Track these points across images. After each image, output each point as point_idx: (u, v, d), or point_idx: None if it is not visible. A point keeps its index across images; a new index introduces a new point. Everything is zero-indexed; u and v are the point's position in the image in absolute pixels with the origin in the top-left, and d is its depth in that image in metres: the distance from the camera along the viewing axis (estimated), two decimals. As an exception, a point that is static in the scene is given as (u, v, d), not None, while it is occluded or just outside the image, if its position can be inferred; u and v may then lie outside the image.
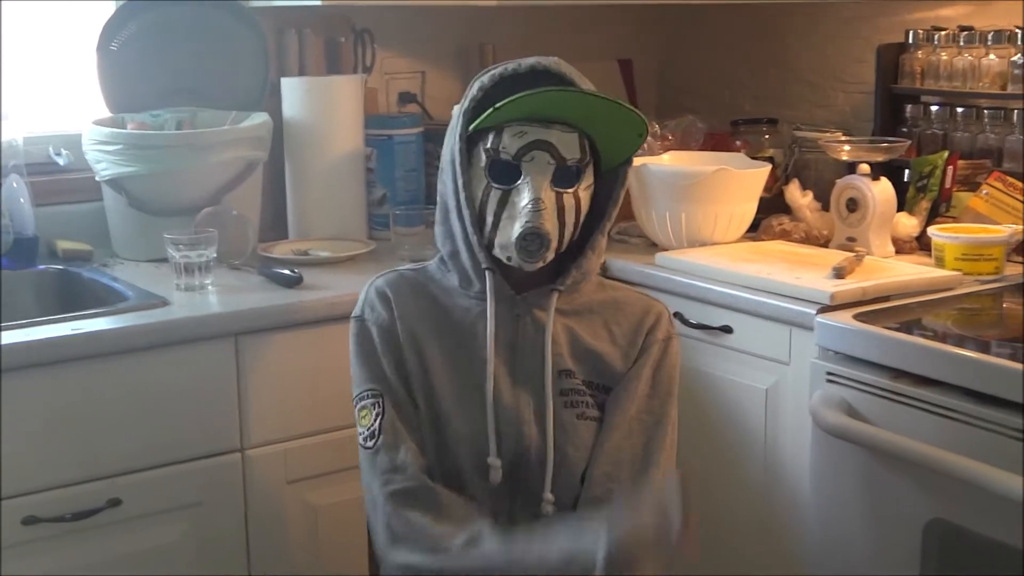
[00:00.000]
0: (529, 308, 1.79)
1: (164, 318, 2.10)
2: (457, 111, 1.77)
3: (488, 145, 1.73)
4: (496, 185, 1.73)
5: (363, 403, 1.78)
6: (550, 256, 1.73)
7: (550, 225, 1.71)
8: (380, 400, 1.76)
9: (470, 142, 1.75)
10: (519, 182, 1.72)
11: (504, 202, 1.73)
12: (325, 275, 2.39)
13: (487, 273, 1.76)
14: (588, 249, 1.80)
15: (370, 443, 1.75)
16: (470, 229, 1.74)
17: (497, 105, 1.68)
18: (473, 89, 1.76)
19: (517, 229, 1.70)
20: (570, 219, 1.74)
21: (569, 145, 1.72)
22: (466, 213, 1.74)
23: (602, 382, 1.80)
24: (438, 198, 1.82)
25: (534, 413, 1.75)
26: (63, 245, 2.54)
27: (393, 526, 1.70)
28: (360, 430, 1.77)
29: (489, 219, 1.74)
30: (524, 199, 1.71)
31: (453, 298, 1.81)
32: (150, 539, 2.10)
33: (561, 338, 1.79)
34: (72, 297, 2.38)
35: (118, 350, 2.05)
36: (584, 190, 1.75)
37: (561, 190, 1.72)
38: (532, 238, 1.70)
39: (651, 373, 1.80)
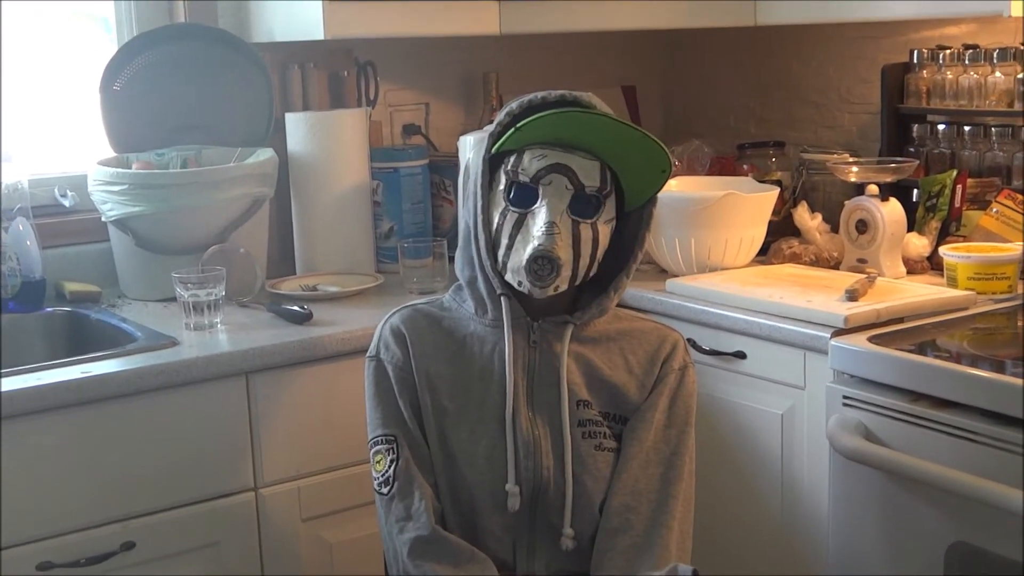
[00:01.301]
0: (544, 336, 1.78)
1: (174, 358, 2.09)
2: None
3: (508, 167, 1.72)
4: (513, 208, 1.72)
5: (377, 448, 1.77)
6: (562, 285, 1.71)
7: (563, 251, 1.69)
8: (394, 446, 1.75)
9: (493, 166, 1.74)
10: (535, 205, 1.71)
11: (520, 225, 1.72)
12: (334, 310, 2.38)
13: (503, 299, 1.74)
14: (611, 289, 1.79)
15: (384, 489, 1.75)
16: (484, 253, 1.73)
17: (519, 124, 1.67)
18: (502, 114, 1.75)
19: (528, 252, 1.69)
20: (586, 250, 1.72)
21: (589, 172, 1.71)
22: (482, 237, 1.73)
23: (619, 412, 1.79)
24: (461, 224, 1.81)
25: (552, 444, 1.74)
26: (71, 287, 2.53)
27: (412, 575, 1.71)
28: (375, 475, 1.77)
29: (504, 242, 1.73)
30: (539, 222, 1.70)
31: (469, 328, 1.80)
32: (165, 582, 2.09)
33: (577, 369, 1.78)
34: (81, 339, 2.37)
35: (129, 392, 2.04)
36: (604, 223, 1.74)
37: (579, 219, 1.71)
38: (542, 262, 1.68)
39: (667, 403, 1.79)
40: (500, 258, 1.73)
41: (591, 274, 1.76)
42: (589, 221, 1.72)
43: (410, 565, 1.70)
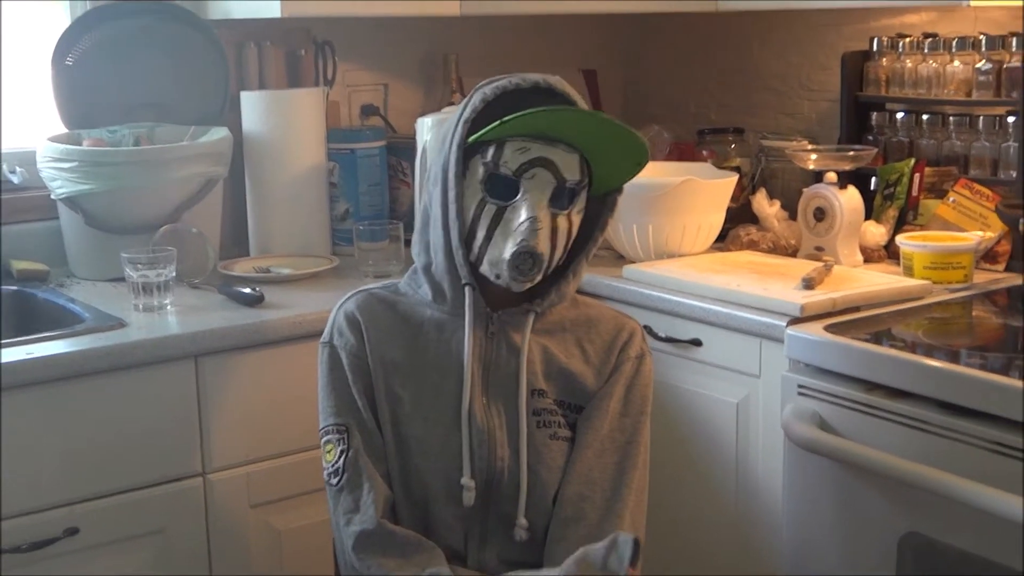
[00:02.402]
0: (503, 327, 1.76)
1: (121, 340, 2.06)
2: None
3: (488, 159, 1.68)
4: (492, 200, 1.69)
5: (328, 437, 1.75)
6: (539, 277, 1.70)
7: (544, 246, 1.67)
8: (345, 436, 1.73)
9: (465, 154, 1.70)
10: (516, 199, 1.68)
11: (499, 218, 1.69)
12: (288, 293, 2.35)
13: (466, 289, 1.72)
14: (570, 273, 1.77)
15: (334, 480, 1.73)
16: (455, 242, 1.70)
17: (505, 119, 1.64)
18: (474, 100, 1.71)
19: (511, 247, 1.67)
20: (561, 241, 1.71)
21: (570, 166, 1.68)
22: (454, 226, 1.69)
23: (574, 401, 1.77)
24: (420, 207, 1.78)
25: (507, 434, 1.72)
26: (18, 265, 2.48)
27: (357, 568, 1.69)
28: (325, 465, 1.75)
29: (480, 234, 1.70)
30: (521, 217, 1.67)
31: (425, 314, 1.78)
32: (110, 568, 2.05)
33: (534, 357, 1.76)
34: (27, 319, 2.33)
35: (74, 374, 2.00)
36: (577, 213, 1.72)
37: (556, 211, 1.69)
38: (526, 257, 1.66)
39: (623, 391, 1.78)
40: (476, 249, 1.70)
41: (560, 262, 1.74)
42: (565, 212, 1.70)
43: (355, 559, 1.69)
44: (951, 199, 2.47)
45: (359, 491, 1.70)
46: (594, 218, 1.77)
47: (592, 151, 1.70)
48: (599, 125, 1.66)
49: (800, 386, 2.00)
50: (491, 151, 1.69)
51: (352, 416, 1.74)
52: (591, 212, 1.76)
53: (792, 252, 2.57)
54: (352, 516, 1.70)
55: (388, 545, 1.68)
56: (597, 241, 1.78)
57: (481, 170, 1.69)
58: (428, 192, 1.75)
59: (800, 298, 2.11)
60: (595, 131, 1.67)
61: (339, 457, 1.72)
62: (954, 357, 1.93)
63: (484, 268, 1.71)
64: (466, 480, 1.69)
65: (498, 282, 1.70)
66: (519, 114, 1.64)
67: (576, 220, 1.72)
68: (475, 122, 1.70)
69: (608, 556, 1.61)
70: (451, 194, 1.69)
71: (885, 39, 2.69)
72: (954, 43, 2.55)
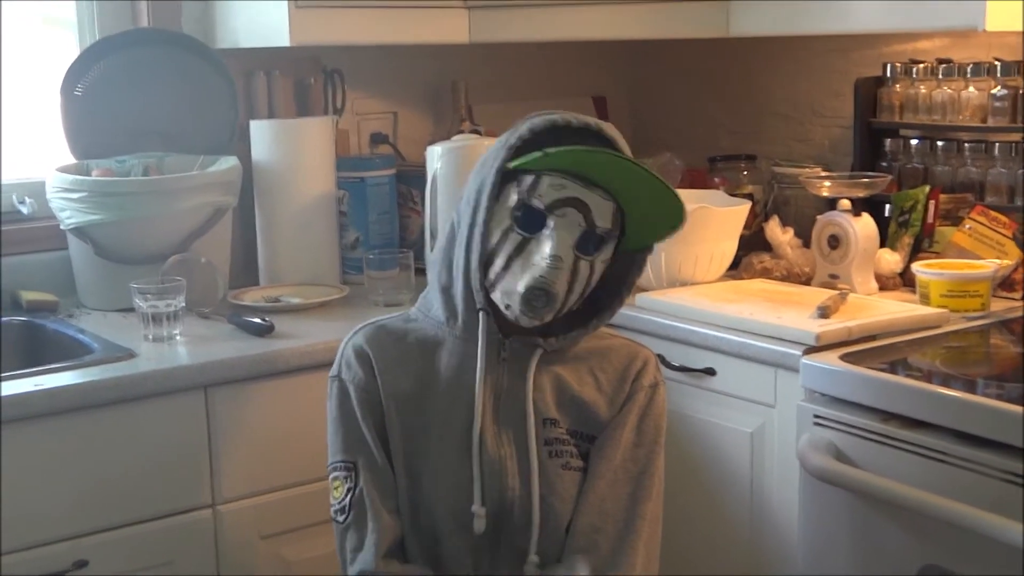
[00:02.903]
0: (514, 354, 1.74)
1: (131, 371, 2.05)
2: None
3: (523, 187, 1.66)
4: (518, 230, 1.67)
5: (336, 474, 1.73)
6: (549, 317, 1.68)
7: (561, 287, 1.65)
8: (352, 473, 1.71)
9: (502, 180, 1.68)
10: (543, 233, 1.66)
11: (521, 249, 1.66)
12: (297, 322, 2.34)
13: (481, 314, 1.70)
14: (590, 327, 1.75)
15: (340, 517, 1.72)
16: (474, 265, 1.68)
17: (548, 150, 1.62)
18: (522, 129, 1.68)
19: (526, 281, 1.64)
20: (579, 287, 1.68)
21: (603, 212, 1.66)
22: (476, 249, 1.67)
23: (586, 431, 1.75)
24: (447, 226, 1.75)
25: (518, 464, 1.70)
26: (27, 296, 2.47)
27: None
28: (332, 502, 1.74)
29: (499, 262, 1.67)
30: (544, 252, 1.64)
31: (437, 339, 1.76)
32: (119, 601, 2.04)
33: (546, 386, 1.74)
34: (37, 350, 2.32)
35: (83, 405, 1.99)
36: (600, 262, 1.70)
37: (580, 255, 1.67)
38: (540, 294, 1.64)
39: (637, 421, 1.76)
40: (492, 275, 1.68)
41: (574, 309, 1.72)
42: (589, 258, 1.68)
43: None
44: (967, 226, 2.45)
45: (364, 530, 1.69)
46: (621, 275, 1.75)
47: (629, 203, 1.68)
48: (640, 177, 1.63)
49: (816, 416, 1.98)
50: (528, 181, 1.66)
51: (360, 452, 1.72)
52: (619, 269, 1.74)
53: (806, 280, 2.55)
54: (356, 555, 1.69)
55: None
56: (623, 300, 1.76)
57: (514, 197, 1.67)
58: (458, 211, 1.73)
59: (815, 327, 2.09)
60: (635, 182, 1.64)
61: (346, 495, 1.71)
62: (972, 386, 1.91)
63: (496, 296, 1.69)
64: (476, 507, 1.68)
65: (507, 313, 1.68)
66: (563, 148, 1.62)
67: (598, 269, 1.70)
68: (519, 150, 1.67)
69: None
70: (480, 216, 1.67)
71: (899, 65, 2.67)
72: (969, 69, 2.53)
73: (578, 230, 1.65)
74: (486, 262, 1.69)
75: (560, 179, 1.65)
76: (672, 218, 1.68)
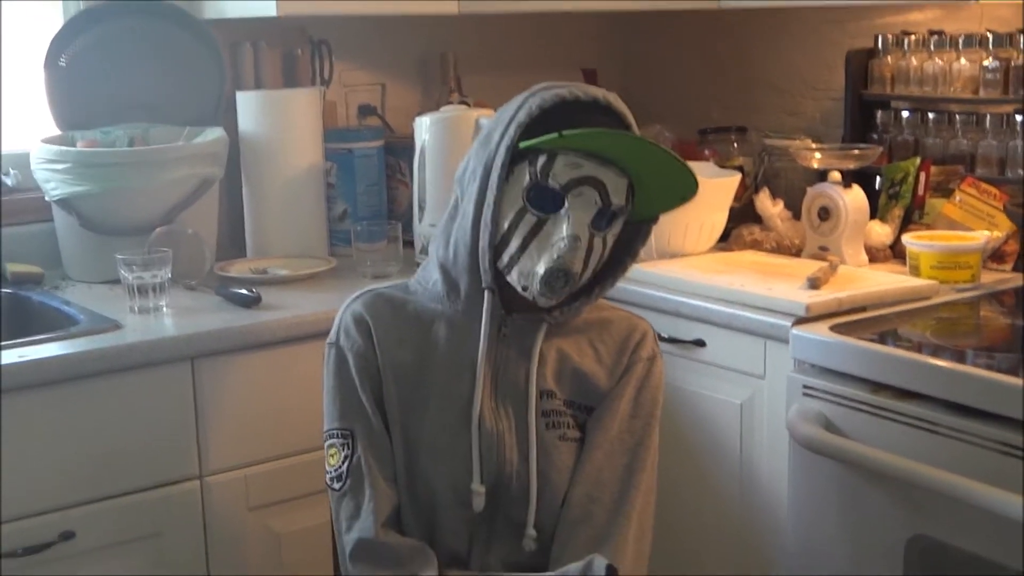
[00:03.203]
0: (516, 330, 1.72)
1: (117, 342, 2.03)
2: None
3: (536, 168, 1.63)
4: (533, 211, 1.64)
5: (332, 442, 1.71)
6: (565, 296, 1.66)
7: (579, 265, 1.63)
8: (350, 440, 1.70)
9: (512, 158, 1.64)
10: (559, 213, 1.63)
11: (537, 230, 1.64)
12: (285, 294, 2.33)
13: (486, 292, 1.68)
14: (593, 296, 1.73)
15: (336, 485, 1.70)
16: (484, 245, 1.65)
17: (565, 133, 1.59)
18: (531, 104, 1.64)
19: (546, 263, 1.62)
20: (593, 262, 1.66)
21: (619, 189, 1.64)
22: (486, 228, 1.64)
23: (584, 402, 1.74)
24: (452, 201, 1.73)
25: (516, 438, 1.69)
26: (12, 268, 2.45)
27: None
28: (328, 469, 1.72)
29: (514, 243, 1.64)
30: (562, 233, 1.62)
31: (436, 312, 1.74)
32: (106, 573, 2.03)
33: (548, 359, 1.73)
34: (22, 322, 2.30)
35: (69, 377, 1.97)
36: (612, 235, 1.68)
37: (595, 231, 1.65)
38: (560, 275, 1.62)
39: (635, 392, 1.75)
40: (506, 257, 1.66)
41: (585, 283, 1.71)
42: (602, 234, 1.66)
43: (351, 566, 1.67)
44: (957, 198, 2.45)
45: (361, 497, 1.68)
46: (625, 244, 1.73)
47: (641, 178, 1.67)
48: (658, 156, 1.62)
49: (805, 387, 1.98)
50: (541, 161, 1.63)
51: (357, 420, 1.70)
52: (623, 237, 1.73)
53: (796, 252, 2.54)
54: (353, 523, 1.67)
55: (382, 556, 1.65)
56: (627, 268, 1.74)
57: (527, 178, 1.64)
58: (462, 187, 1.70)
59: (805, 298, 2.09)
60: (648, 158, 1.63)
61: (343, 462, 1.69)
62: (962, 357, 1.90)
63: (512, 277, 1.66)
64: (476, 486, 1.66)
65: (524, 294, 1.66)
66: (580, 132, 1.59)
67: (610, 242, 1.68)
68: (527, 127, 1.64)
69: None
70: (490, 196, 1.64)
71: (891, 36, 2.66)
72: (961, 41, 2.52)
73: (594, 208, 1.63)
74: (499, 243, 1.66)
75: (575, 158, 1.62)
76: (684, 189, 1.67)
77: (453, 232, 1.70)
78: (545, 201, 1.64)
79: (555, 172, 1.62)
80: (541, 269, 1.62)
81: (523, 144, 1.63)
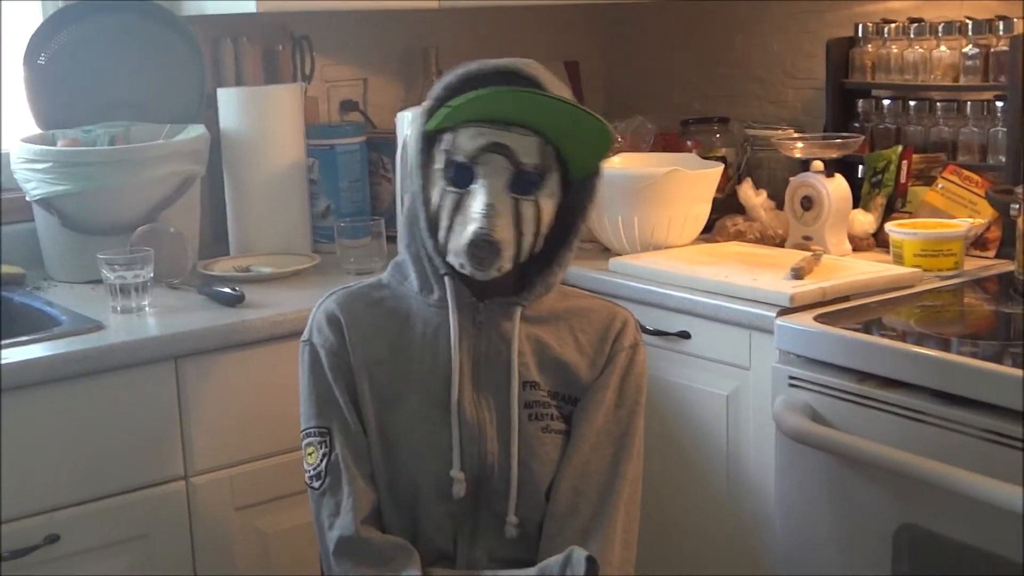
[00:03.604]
0: (492, 317, 1.72)
1: (100, 343, 2.02)
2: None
3: (445, 146, 1.66)
4: (451, 188, 1.66)
5: (309, 440, 1.72)
6: (506, 265, 1.66)
7: (503, 233, 1.63)
8: (327, 439, 1.70)
9: (430, 142, 1.68)
10: (473, 185, 1.65)
11: (458, 206, 1.66)
12: (269, 292, 2.32)
13: (446, 279, 1.69)
14: (555, 264, 1.73)
15: (316, 484, 1.70)
16: (424, 232, 1.68)
17: (451, 103, 1.61)
18: (438, 88, 1.68)
19: (468, 235, 1.63)
20: (529, 228, 1.67)
21: (527, 149, 1.65)
22: (421, 215, 1.67)
23: (569, 392, 1.74)
24: (407, 197, 1.75)
25: (497, 428, 1.69)
26: (-7, 269, 2.44)
27: (335, 573, 1.68)
28: (306, 468, 1.72)
29: (444, 223, 1.67)
30: (477, 204, 1.64)
31: (411, 307, 1.74)
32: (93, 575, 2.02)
33: (526, 348, 1.73)
34: (3, 323, 2.28)
35: (51, 378, 1.96)
36: (546, 198, 1.68)
37: (520, 196, 1.65)
38: (483, 245, 1.62)
39: (618, 382, 1.75)
40: (441, 239, 1.68)
41: (537, 250, 1.70)
42: (530, 198, 1.66)
43: (334, 563, 1.67)
44: (940, 186, 2.45)
45: (340, 495, 1.68)
46: (576, 206, 1.73)
47: (553, 133, 1.67)
48: (552, 107, 1.62)
49: (791, 377, 1.97)
50: (448, 138, 1.66)
51: (334, 418, 1.70)
52: (574, 201, 1.73)
53: (779, 242, 2.54)
54: (334, 520, 1.67)
55: (365, 553, 1.66)
56: (579, 229, 1.74)
57: (442, 158, 1.67)
58: (411, 183, 1.73)
59: (789, 288, 2.08)
60: (551, 114, 1.63)
61: (321, 460, 1.69)
62: (947, 345, 1.90)
63: (450, 258, 1.68)
64: (455, 472, 1.66)
65: (462, 271, 1.67)
66: (464, 97, 1.61)
67: (546, 206, 1.68)
68: (435, 111, 1.67)
69: (563, 571, 1.60)
70: (415, 184, 1.68)
71: (870, 25, 2.66)
72: (940, 28, 2.52)
73: (506, 172, 1.64)
74: (433, 227, 1.68)
75: (476, 128, 1.64)
76: (600, 136, 1.66)
77: (413, 227, 1.72)
78: (459, 176, 1.66)
79: (459, 145, 1.64)
80: (464, 242, 1.63)
81: (427, 126, 1.66)
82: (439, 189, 1.67)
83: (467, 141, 1.64)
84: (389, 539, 1.67)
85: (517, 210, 1.65)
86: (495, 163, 1.64)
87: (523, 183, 1.65)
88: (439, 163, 1.67)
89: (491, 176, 1.64)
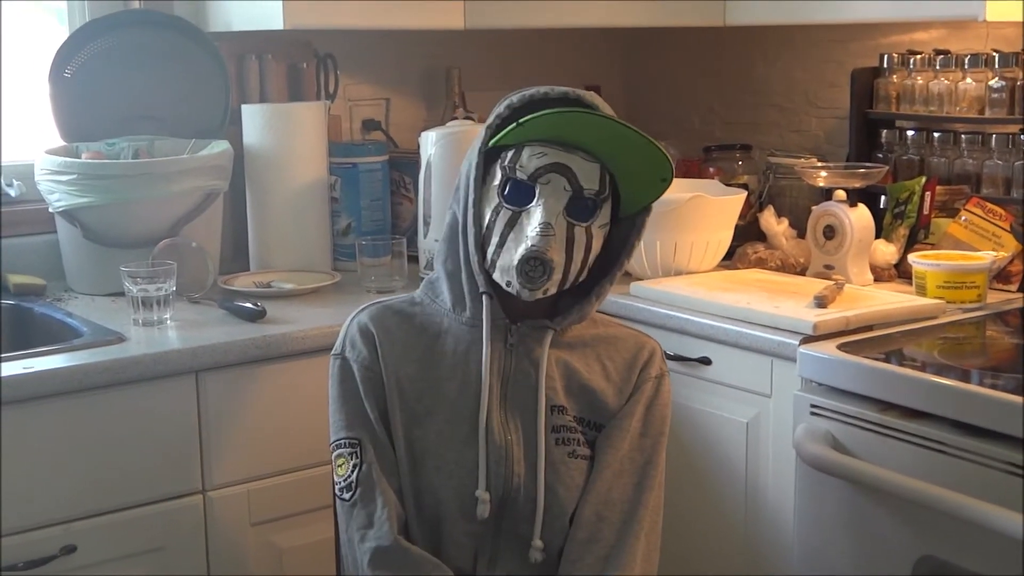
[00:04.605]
0: (522, 339, 1.72)
1: (121, 355, 2.01)
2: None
3: (505, 163, 1.66)
4: (507, 205, 1.66)
5: (340, 451, 1.70)
6: (552, 288, 1.65)
7: (556, 253, 1.63)
8: (358, 450, 1.69)
9: (488, 160, 1.68)
10: (531, 204, 1.64)
11: (513, 224, 1.65)
12: (289, 308, 2.32)
13: (484, 298, 1.68)
14: (593, 295, 1.73)
15: (347, 495, 1.68)
16: (471, 248, 1.67)
17: (521, 120, 1.61)
18: (500, 107, 1.68)
19: (520, 252, 1.63)
20: (579, 255, 1.66)
21: (589, 174, 1.64)
22: (471, 231, 1.67)
23: (594, 419, 1.74)
24: (448, 214, 1.74)
25: (524, 450, 1.68)
26: (15, 279, 2.44)
27: None
28: (336, 479, 1.71)
29: (494, 240, 1.66)
30: (533, 222, 1.63)
31: (443, 325, 1.74)
32: (108, 587, 2.01)
33: (555, 372, 1.72)
34: (24, 334, 2.29)
35: (72, 389, 1.96)
36: (598, 228, 1.68)
37: (573, 221, 1.65)
38: (535, 263, 1.62)
39: (644, 411, 1.75)
40: (489, 256, 1.67)
41: (580, 279, 1.70)
42: (584, 224, 1.66)
43: (370, 575, 1.65)
44: (963, 218, 2.44)
45: (373, 506, 1.66)
46: (622, 240, 1.73)
47: (613, 162, 1.67)
48: (618, 133, 1.62)
49: (813, 406, 1.97)
50: (509, 155, 1.66)
51: (365, 430, 1.70)
52: (619, 234, 1.73)
53: (800, 270, 2.54)
54: (367, 532, 1.66)
55: (403, 563, 1.64)
56: (623, 265, 1.73)
57: (499, 175, 1.66)
58: (456, 198, 1.73)
59: (813, 316, 2.08)
60: (614, 139, 1.63)
61: (352, 471, 1.68)
62: (969, 377, 1.89)
63: (496, 275, 1.67)
64: (481, 492, 1.66)
65: (508, 290, 1.66)
66: (534, 115, 1.61)
67: (597, 235, 1.68)
68: (500, 129, 1.67)
69: None
70: (470, 199, 1.67)
71: (896, 55, 2.66)
72: (966, 60, 2.52)
73: (565, 195, 1.64)
74: (483, 244, 1.67)
75: (540, 147, 1.64)
76: (659, 170, 1.66)
77: (456, 245, 1.71)
78: (517, 194, 1.65)
79: (521, 163, 1.64)
80: (516, 260, 1.63)
81: (492, 142, 1.66)
82: (494, 206, 1.66)
83: (530, 159, 1.64)
84: (425, 553, 1.66)
85: (570, 235, 1.65)
86: (556, 184, 1.64)
87: (580, 209, 1.65)
88: (496, 180, 1.67)
89: (550, 197, 1.64)
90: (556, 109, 1.62)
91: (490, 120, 1.68)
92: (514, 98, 1.68)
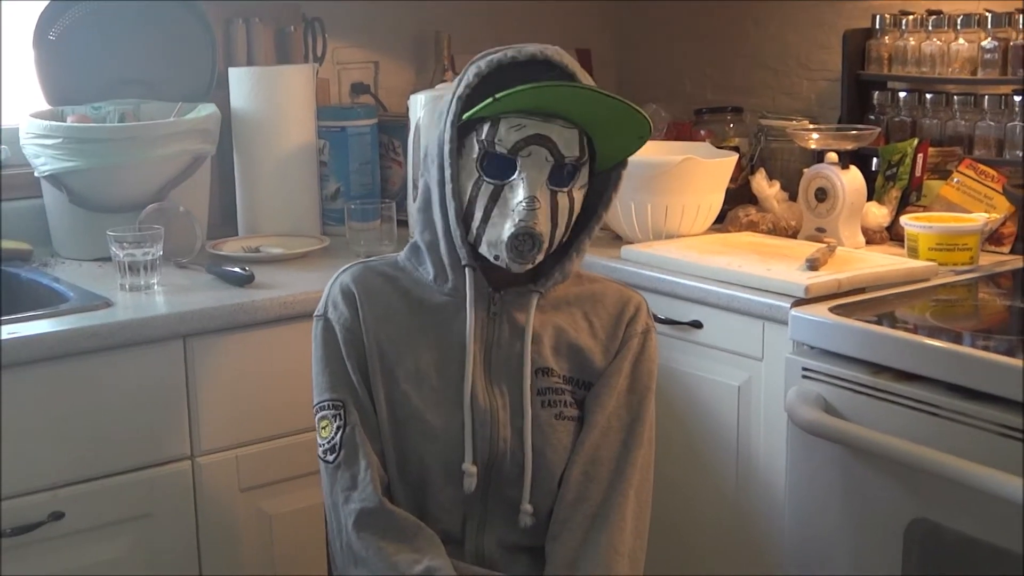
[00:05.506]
0: (506, 307, 1.71)
1: (108, 320, 2.00)
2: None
3: (483, 136, 1.63)
4: (488, 179, 1.63)
5: (323, 413, 1.69)
6: (540, 257, 1.64)
7: (544, 226, 1.62)
8: (342, 412, 1.68)
9: (461, 131, 1.65)
10: (513, 178, 1.62)
11: (496, 198, 1.63)
12: (277, 273, 2.30)
13: (467, 270, 1.67)
14: (573, 252, 1.72)
15: (330, 457, 1.67)
16: (453, 223, 1.65)
17: (497, 96, 1.58)
18: (468, 75, 1.65)
19: (509, 228, 1.61)
20: (563, 219, 1.65)
21: (569, 142, 1.63)
22: (451, 206, 1.64)
23: (583, 378, 1.73)
24: (420, 184, 1.72)
25: (510, 415, 1.67)
26: (1, 244, 2.42)
27: (354, 547, 1.64)
28: (320, 441, 1.69)
29: (478, 215, 1.64)
30: (518, 197, 1.61)
31: (425, 293, 1.73)
32: (95, 554, 2.01)
33: (543, 335, 1.71)
34: (10, 299, 2.27)
35: (59, 354, 1.94)
36: (578, 189, 1.67)
37: (556, 189, 1.64)
38: (525, 239, 1.61)
39: (631, 368, 1.74)
40: (474, 229, 1.65)
41: (564, 240, 1.69)
42: (565, 189, 1.65)
43: (354, 537, 1.64)
44: (955, 180, 2.43)
45: (356, 468, 1.65)
46: (598, 193, 1.72)
47: (592, 126, 1.65)
48: (596, 101, 1.60)
49: (804, 369, 1.96)
50: (486, 129, 1.63)
51: (348, 392, 1.69)
52: (595, 187, 1.71)
53: (792, 233, 2.52)
54: (351, 493, 1.65)
55: (388, 526, 1.63)
56: (600, 218, 1.72)
57: (477, 148, 1.64)
58: (426, 169, 1.70)
59: (804, 279, 2.07)
60: (593, 106, 1.61)
61: (336, 433, 1.67)
62: (961, 339, 1.89)
63: (483, 249, 1.66)
64: (467, 466, 1.65)
65: (497, 263, 1.65)
66: (511, 91, 1.58)
67: (578, 197, 1.67)
68: (470, 98, 1.64)
69: None
70: (447, 173, 1.64)
71: (888, 16, 2.64)
72: (959, 20, 2.50)
73: (547, 166, 1.62)
74: (465, 217, 1.66)
75: (517, 119, 1.62)
76: (637, 129, 1.64)
77: (431, 215, 1.69)
78: (497, 168, 1.63)
79: (500, 137, 1.62)
80: (506, 236, 1.61)
81: (465, 116, 1.63)
82: (474, 180, 1.64)
83: (509, 133, 1.61)
84: (410, 516, 1.65)
85: (554, 203, 1.64)
86: (536, 156, 1.62)
87: (561, 176, 1.64)
88: (474, 153, 1.64)
89: (532, 169, 1.62)
90: (534, 84, 1.58)
91: (460, 90, 1.64)
92: (482, 64, 1.64)
